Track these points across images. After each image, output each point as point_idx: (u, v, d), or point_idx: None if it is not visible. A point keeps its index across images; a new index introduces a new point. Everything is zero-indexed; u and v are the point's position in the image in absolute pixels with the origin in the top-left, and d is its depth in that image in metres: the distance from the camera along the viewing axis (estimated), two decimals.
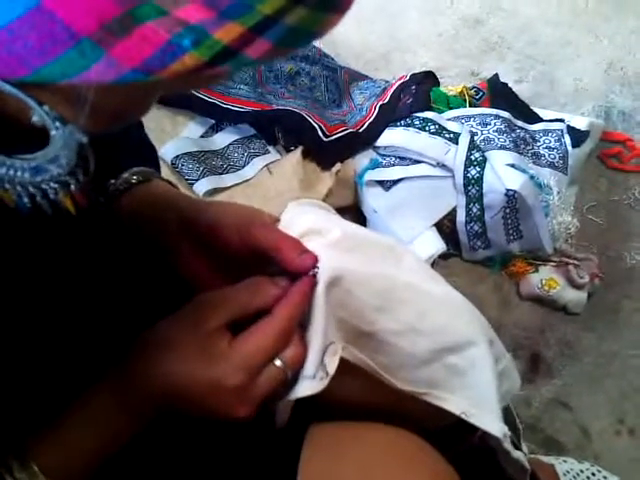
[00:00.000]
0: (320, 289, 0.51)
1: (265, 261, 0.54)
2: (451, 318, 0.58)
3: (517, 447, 0.82)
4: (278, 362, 0.48)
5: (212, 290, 0.54)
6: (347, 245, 0.56)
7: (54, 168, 0.37)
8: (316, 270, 0.52)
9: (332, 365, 0.52)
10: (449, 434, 0.66)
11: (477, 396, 0.57)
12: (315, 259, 0.52)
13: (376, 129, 1.24)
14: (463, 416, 0.55)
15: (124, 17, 0.27)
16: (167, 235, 0.56)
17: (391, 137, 1.22)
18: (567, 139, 1.24)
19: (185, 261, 0.56)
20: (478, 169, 1.14)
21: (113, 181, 0.59)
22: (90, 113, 0.33)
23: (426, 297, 0.57)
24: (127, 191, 0.59)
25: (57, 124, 0.35)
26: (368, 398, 0.60)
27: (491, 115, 1.24)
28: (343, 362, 0.53)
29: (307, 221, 0.58)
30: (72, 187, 0.38)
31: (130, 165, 0.61)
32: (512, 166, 1.14)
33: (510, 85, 1.37)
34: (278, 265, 0.53)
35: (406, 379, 0.56)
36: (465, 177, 1.14)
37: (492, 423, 0.56)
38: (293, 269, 0.52)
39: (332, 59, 1.48)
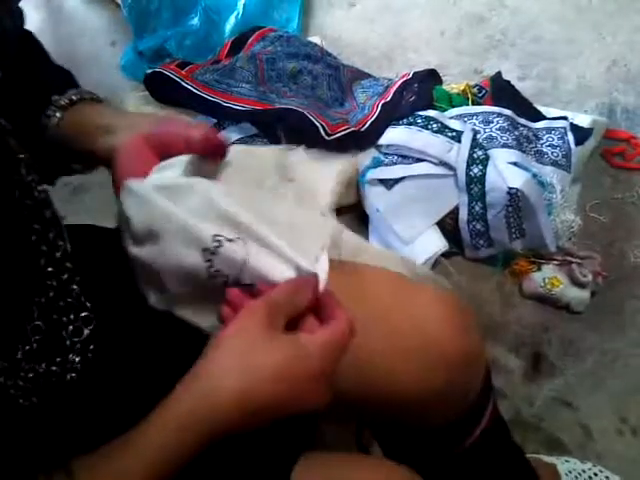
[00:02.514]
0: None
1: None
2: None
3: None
4: None
5: None
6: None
7: None
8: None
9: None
10: (444, 436, 0.66)
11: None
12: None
13: (378, 128, 1.24)
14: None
15: None
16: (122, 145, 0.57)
17: (393, 135, 1.22)
18: (570, 137, 1.24)
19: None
20: (480, 167, 1.14)
21: (57, 97, 0.61)
22: None
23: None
24: (72, 107, 0.61)
25: None
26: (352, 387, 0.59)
27: (494, 113, 1.24)
28: None
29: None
30: None
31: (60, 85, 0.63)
32: (515, 164, 1.13)
33: (513, 83, 1.36)
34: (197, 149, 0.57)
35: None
36: (467, 175, 1.14)
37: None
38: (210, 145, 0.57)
39: (335, 57, 1.48)
